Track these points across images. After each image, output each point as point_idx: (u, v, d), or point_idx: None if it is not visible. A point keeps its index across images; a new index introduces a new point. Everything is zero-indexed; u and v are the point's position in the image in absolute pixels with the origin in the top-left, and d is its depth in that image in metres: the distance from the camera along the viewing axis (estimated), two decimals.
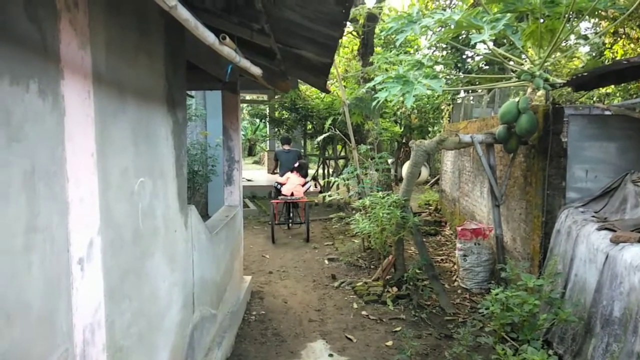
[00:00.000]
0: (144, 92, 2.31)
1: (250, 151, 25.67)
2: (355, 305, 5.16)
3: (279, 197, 8.36)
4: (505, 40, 5.99)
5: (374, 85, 4.47)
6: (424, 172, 13.63)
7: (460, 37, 9.27)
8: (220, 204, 5.25)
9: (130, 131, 2.13)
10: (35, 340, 1.45)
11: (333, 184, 11.05)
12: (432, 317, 4.84)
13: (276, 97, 11.35)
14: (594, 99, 7.80)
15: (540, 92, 4.85)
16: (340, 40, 3.22)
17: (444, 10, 7.55)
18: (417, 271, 5.26)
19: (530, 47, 4.59)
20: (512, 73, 4.95)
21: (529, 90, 4.51)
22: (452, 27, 4.13)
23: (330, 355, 4.07)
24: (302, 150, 11.86)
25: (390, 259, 5.72)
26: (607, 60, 7.77)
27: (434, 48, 11.23)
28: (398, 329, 4.56)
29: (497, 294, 3.57)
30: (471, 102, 9.82)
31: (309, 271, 6.44)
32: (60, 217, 1.58)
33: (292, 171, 8.57)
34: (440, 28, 4.94)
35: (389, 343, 4.29)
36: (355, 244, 7.42)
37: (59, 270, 1.57)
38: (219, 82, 4.63)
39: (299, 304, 5.22)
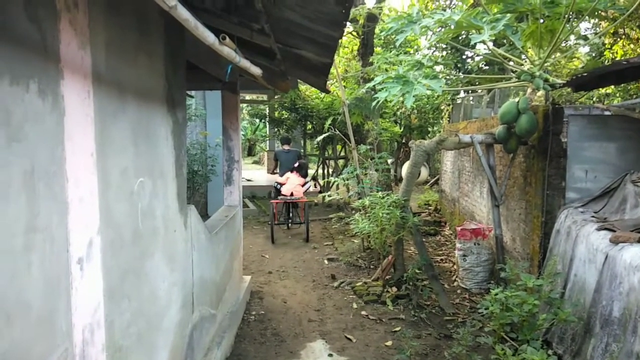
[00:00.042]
0: (144, 92, 2.31)
1: (250, 151, 25.67)
2: (354, 305, 5.16)
3: (279, 197, 8.36)
4: (505, 41, 6.00)
5: (373, 86, 4.48)
6: (424, 172, 13.64)
7: (460, 38, 9.27)
8: (220, 203, 5.25)
9: (130, 131, 2.13)
10: (35, 340, 1.45)
11: (333, 184, 11.06)
12: (432, 317, 4.84)
13: (276, 97, 11.35)
14: (594, 99, 7.80)
15: (540, 93, 4.85)
16: (340, 41, 3.22)
17: (444, 10, 7.55)
18: (417, 271, 5.26)
19: (530, 48, 4.59)
20: (512, 73, 4.96)
21: (529, 90, 4.51)
22: (452, 27, 4.14)
23: (330, 355, 4.07)
24: (302, 150, 11.86)
25: (389, 259, 5.72)
26: (606, 61, 7.77)
27: (434, 48, 11.24)
28: (397, 329, 4.56)
29: (496, 294, 3.57)
30: (471, 102, 9.83)
31: (309, 271, 6.44)
32: (59, 217, 1.58)
33: (292, 171, 8.57)
34: (440, 28, 4.94)
35: (389, 343, 4.29)
36: (354, 244, 7.42)
37: (58, 270, 1.58)
38: (218, 82, 4.63)
39: (298, 304, 5.22)
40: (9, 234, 1.33)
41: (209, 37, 2.19)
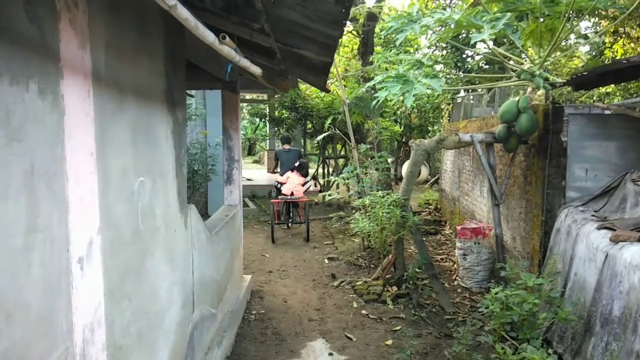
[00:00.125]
0: (144, 92, 2.31)
1: (250, 150, 25.67)
2: (355, 305, 5.17)
3: (279, 197, 8.36)
4: (505, 40, 5.99)
5: (373, 85, 4.47)
6: (424, 172, 13.63)
7: (460, 37, 9.27)
8: (220, 203, 5.25)
9: (130, 130, 2.13)
10: (35, 340, 1.45)
11: (333, 183, 11.06)
12: (432, 316, 4.84)
13: (276, 96, 11.34)
14: (594, 98, 7.80)
15: (540, 92, 4.85)
16: (340, 40, 3.22)
17: (444, 9, 7.55)
18: (417, 270, 5.27)
19: (530, 47, 4.59)
20: (512, 72, 4.95)
21: (529, 89, 4.51)
22: (452, 26, 4.13)
23: (330, 354, 4.08)
24: (302, 150, 11.86)
25: (390, 258, 5.72)
26: (607, 60, 7.77)
27: (434, 47, 11.23)
28: (398, 328, 4.56)
29: (496, 293, 3.57)
30: (471, 101, 9.83)
31: (309, 270, 6.44)
32: (60, 217, 1.58)
33: (292, 170, 8.57)
34: (440, 27, 4.94)
35: (389, 342, 4.29)
36: (355, 243, 7.42)
37: (58, 270, 1.58)
38: (218, 82, 4.63)
39: (298, 303, 5.22)
40: (9, 233, 1.33)
41: (209, 37, 2.19)
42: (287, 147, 8.93)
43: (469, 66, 10.90)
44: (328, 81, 5.34)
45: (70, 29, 1.61)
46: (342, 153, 12.07)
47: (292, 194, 8.27)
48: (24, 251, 1.40)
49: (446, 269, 6.43)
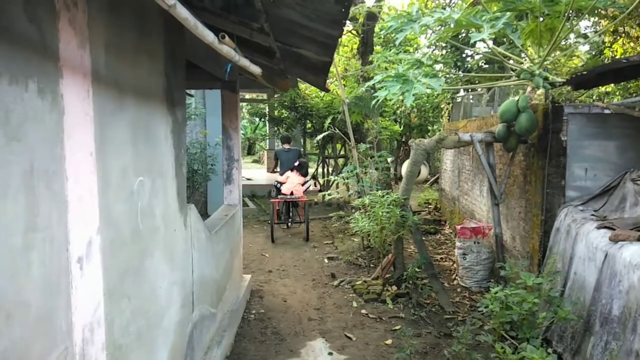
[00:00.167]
0: (144, 91, 2.31)
1: (250, 150, 25.67)
2: (354, 304, 5.17)
3: (279, 196, 8.36)
4: (504, 39, 5.99)
5: (373, 84, 4.47)
6: (424, 171, 13.64)
7: (459, 36, 9.27)
8: (220, 202, 5.25)
9: (130, 130, 2.13)
10: (34, 339, 1.45)
11: (332, 182, 11.06)
12: (432, 316, 4.85)
13: (275, 96, 11.33)
14: (594, 97, 7.80)
15: (540, 91, 4.85)
16: (339, 39, 3.22)
17: (444, 9, 7.54)
18: (417, 270, 5.27)
19: (529, 46, 4.59)
20: (511, 72, 4.95)
21: (529, 89, 4.51)
22: (452, 25, 4.13)
23: (330, 353, 4.08)
24: (302, 149, 11.86)
25: (389, 258, 5.72)
26: (606, 59, 7.77)
27: (434, 47, 11.22)
28: (397, 327, 4.56)
29: (496, 293, 3.57)
30: (471, 100, 9.83)
31: (309, 270, 6.44)
32: (59, 216, 1.58)
33: (292, 170, 8.57)
34: (439, 27, 4.93)
35: (389, 341, 4.29)
36: (354, 242, 7.42)
37: (58, 269, 1.58)
38: (218, 81, 4.63)
39: (298, 303, 5.22)
40: (9, 233, 1.33)
41: (209, 36, 2.19)
42: (286, 146, 8.93)
43: (469, 66, 10.90)
44: (328, 81, 5.34)
45: (69, 28, 1.61)
46: (342, 152, 12.08)
47: (291, 193, 8.27)
48: (24, 251, 1.40)
49: (446, 268, 6.43)
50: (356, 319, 4.80)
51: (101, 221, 1.85)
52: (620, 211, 4.02)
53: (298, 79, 5.79)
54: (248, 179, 14.10)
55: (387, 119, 12.09)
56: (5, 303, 1.32)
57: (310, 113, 11.13)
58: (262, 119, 16.95)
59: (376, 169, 7.14)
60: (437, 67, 8.24)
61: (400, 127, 12.95)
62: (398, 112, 12.76)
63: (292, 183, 8.36)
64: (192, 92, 8.51)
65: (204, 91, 9.17)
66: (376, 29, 9.89)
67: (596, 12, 5.81)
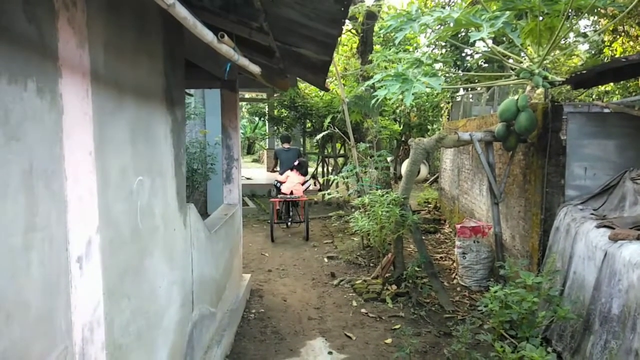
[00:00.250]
0: (143, 91, 2.31)
1: (250, 149, 25.67)
2: (354, 303, 5.17)
3: (279, 196, 8.36)
4: (504, 38, 5.99)
5: (373, 84, 4.47)
6: (423, 170, 13.64)
7: (459, 35, 9.27)
8: (220, 202, 5.25)
9: (129, 130, 2.13)
10: (34, 339, 1.45)
11: (332, 182, 11.05)
12: (431, 315, 4.85)
13: (275, 95, 11.31)
14: (593, 96, 7.81)
15: (540, 90, 4.85)
16: (339, 38, 3.22)
17: (443, 8, 7.54)
18: (416, 269, 5.27)
19: (529, 45, 4.59)
20: (511, 71, 4.95)
21: (528, 88, 4.51)
22: (451, 25, 4.12)
23: (330, 352, 4.08)
24: (302, 149, 11.86)
25: (389, 257, 5.72)
26: (606, 58, 7.77)
27: (433, 46, 11.22)
28: (397, 326, 4.57)
29: (496, 292, 3.57)
30: (470, 100, 9.83)
31: (308, 269, 6.44)
32: (58, 216, 1.58)
33: (291, 169, 8.57)
34: (439, 26, 4.93)
35: (388, 341, 4.29)
36: (354, 242, 7.42)
37: (57, 269, 1.58)
38: (217, 81, 4.63)
39: (298, 302, 5.22)
40: (8, 232, 1.33)
41: (208, 35, 2.19)
42: (286, 146, 8.93)
43: (468, 65, 10.90)
44: (327, 80, 5.34)
45: (68, 28, 1.61)
46: (342, 152, 12.08)
47: (291, 192, 8.27)
48: (23, 250, 1.40)
49: (445, 267, 6.43)
50: (356, 318, 4.81)
51: (100, 221, 1.85)
52: (619, 210, 4.03)
53: (297, 78, 5.79)
54: (248, 179, 14.10)
55: (387, 118, 12.10)
56: (5, 303, 1.32)
57: (310, 112, 11.12)
58: (262, 119, 16.95)
59: (376, 168, 7.14)
60: (437, 66, 8.24)
61: (399, 127, 12.95)
62: (398, 111, 12.76)
63: (292, 182, 8.36)
64: (192, 91, 8.51)
65: (204, 90, 9.17)
66: (376, 28, 9.89)
67: (595, 11, 5.81)
